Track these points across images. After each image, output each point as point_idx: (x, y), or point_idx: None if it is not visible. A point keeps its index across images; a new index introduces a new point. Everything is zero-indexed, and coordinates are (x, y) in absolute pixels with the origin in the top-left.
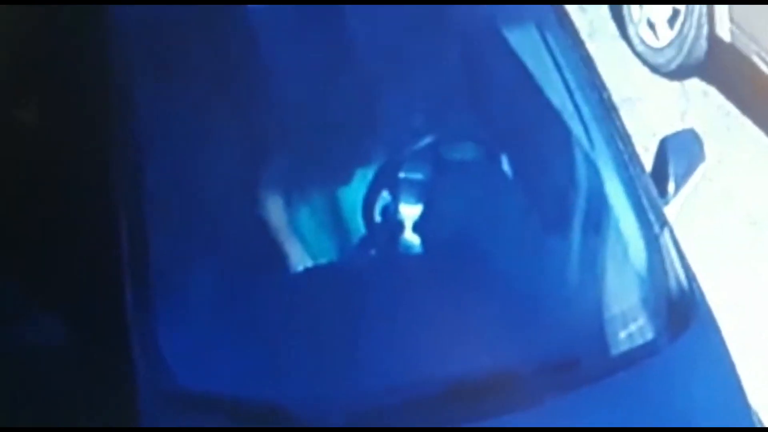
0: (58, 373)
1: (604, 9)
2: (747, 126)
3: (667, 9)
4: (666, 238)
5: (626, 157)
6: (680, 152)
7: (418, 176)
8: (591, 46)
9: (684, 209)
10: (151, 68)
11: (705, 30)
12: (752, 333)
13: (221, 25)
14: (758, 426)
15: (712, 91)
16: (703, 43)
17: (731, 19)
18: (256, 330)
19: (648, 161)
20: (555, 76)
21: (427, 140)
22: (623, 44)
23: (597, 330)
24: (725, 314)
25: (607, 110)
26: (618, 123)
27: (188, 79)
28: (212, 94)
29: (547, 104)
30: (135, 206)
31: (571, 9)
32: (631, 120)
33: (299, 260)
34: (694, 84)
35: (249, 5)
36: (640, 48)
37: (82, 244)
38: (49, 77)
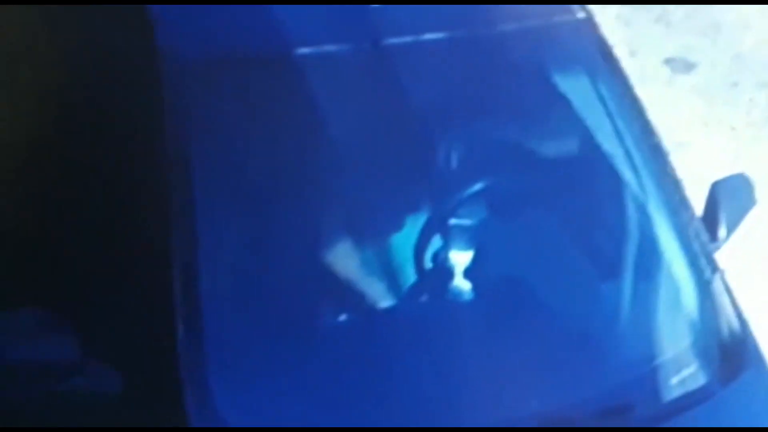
0: (112, 423)
1: (655, 54)
2: None
3: None
4: (717, 283)
5: (677, 202)
6: (731, 196)
7: (468, 222)
8: (641, 92)
9: (735, 253)
10: (204, 114)
11: None
12: None
13: (274, 67)
14: None
15: (764, 135)
16: None
17: None
18: (306, 375)
19: (698, 206)
20: (606, 121)
21: (478, 186)
22: (674, 90)
23: (649, 375)
24: None
25: (657, 155)
26: (669, 168)
27: (240, 125)
28: (260, 142)
29: (598, 149)
30: (188, 249)
31: (622, 55)
32: (682, 165)
33: (351, 306)
34: (744, 129)
35: (301, 50)
36: None
37: (135, 291)
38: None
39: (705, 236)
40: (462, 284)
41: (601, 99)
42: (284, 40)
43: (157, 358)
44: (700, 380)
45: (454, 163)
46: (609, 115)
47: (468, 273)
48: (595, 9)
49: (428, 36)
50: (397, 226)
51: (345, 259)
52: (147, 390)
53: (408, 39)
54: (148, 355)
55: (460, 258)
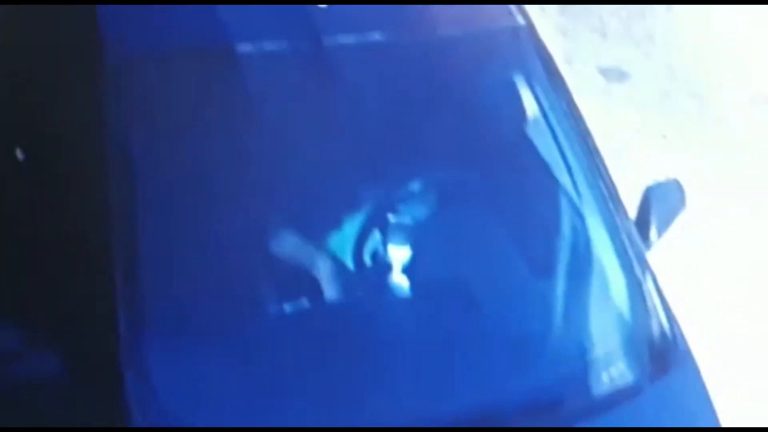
0: (53, 409)
1: (590, 63)
2: (730, 177)
3: None
4: (648, 283)
5: (611, 204)
6: (663, 200)
7: (407, 220)
8: (577, 100)
9: (666, 255)
10: (144, 110)
11: None
12: None
13: (215, 62)
14: None
15: (695, 143)
16: None
17: None
18: (247, 368)
19: (631, 210)
20: (543, 125)
21: (417, 185)
22: (609, 98)
23: (579, 372)
24: None
25: (593, 159)
26: (604, 171)
27: (177, 123)
28: (200, 138)
29: (535, 151)
30: (129, 245)
31: (559, 62)
32: (616, 171)
33: (290, 301)
34: (676, 137)
35: (239, 46)
36: None
37: (76, 279)
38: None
39: (637, 238)
40: (398, 281)
41: (540, 103)
42: (227, 36)
43: (97, 344)
44: (629, 377)
45: (392, 161)
46: (547, 118)
47: (405, 270)
48: (533, 18)
49: (370, 38)
50: (336, 222)
51: (285, 253)
52: (87, 376)
53: (349, 40)
54: (89, 342)
55: (398, 255)
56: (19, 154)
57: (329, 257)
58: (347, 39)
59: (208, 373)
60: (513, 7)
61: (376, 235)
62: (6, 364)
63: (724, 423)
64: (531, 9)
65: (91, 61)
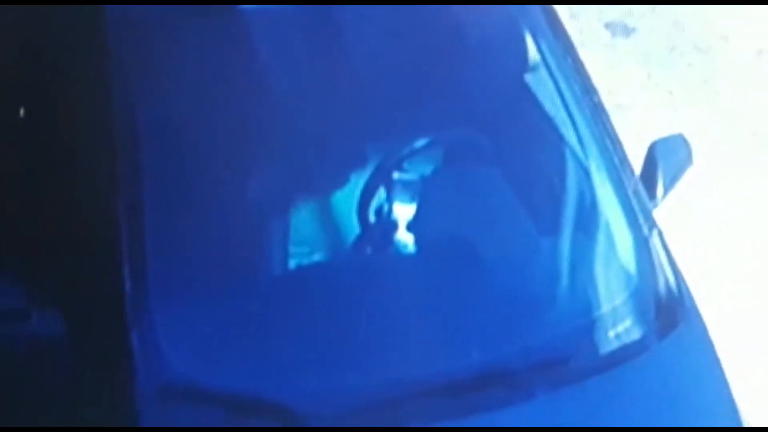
0: (56, 367)
1: (595, 17)
2: (737, 132)
3: None
4: (655, 240)
5: (616, 160)
6: (668, 156)
7: (411, 177)
8: (581, 55)
9: (672, 211)
10: (145, 69)
11: None
12: None
13: (215, 25)
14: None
15: (701, 98)
16: None
17: None
18: (253, 326)
19: (637, 166)
20: (547, 80)
21: (421, 142)
22: (613, 53)
23: (587, 328)
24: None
25: (598, 115)
26: (609, 127)
27: (182, 81)
28: (205, 97)
29: (539, 107)
30: (134, 202)
31: (563, 17)
32: (621, 126)
33: (295, 258)
34: (682, 92)
35: (243, 6)
36: None
37: (81, 239)
38: (44, 75)
39: (643, 194)
40: (405, 237)
41: (544, 58)
42: None
43: (102, 302)
44: (637, 334)
45: (397, 119)
46: (550, 72)
47: (410, 226)
48: None
49: None
50: (341, 180)
51: (289, 211)
52: (93, 335)
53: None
54: (94, 300)
55: (403, 212)
56: (21, 112)
57: (334, 215)
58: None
59: (214, 331)
60: None
61: (381, 193)
62: (11, 322)
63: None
64: None
65: (93, 18)
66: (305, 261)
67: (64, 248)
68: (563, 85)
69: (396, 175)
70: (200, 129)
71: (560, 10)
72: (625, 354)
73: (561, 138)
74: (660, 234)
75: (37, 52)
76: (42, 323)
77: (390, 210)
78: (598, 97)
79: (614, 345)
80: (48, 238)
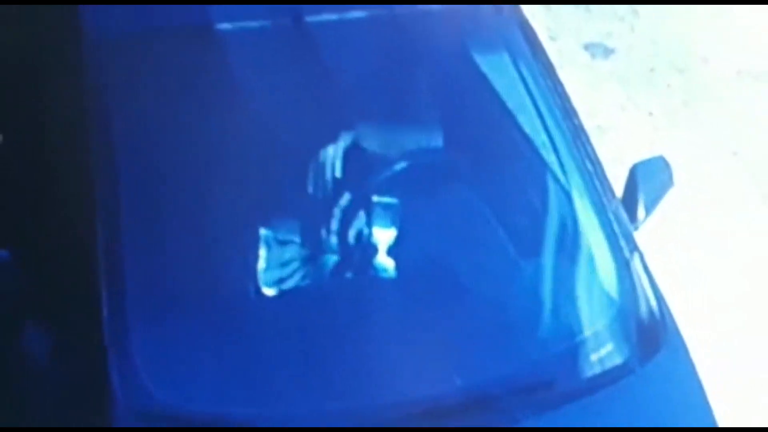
0: (40, 385)
1: (574, 38)
2: (715, 153)
3: None
4: (636, 263)
5: (597, 183)
6: (650, 178)
7: (391, 201)
8: (561, 75)
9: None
10: (124, 87)
11: None
12: None
13: (195, 44)
14: None
15: (681, 119)
16: None
17: None
18: (233, 350)
19: (618, 188)
20: (528, 102)
21: (401, 165)
22: (593, 74)
23: (570, 352)
24: None
25: (578, 137)
26: (589, 149)
27: (158, 101)
28: (182, 117)
29: (520, 130)
30: (112, 227)
31: (543, 38)
32: (601, 148)
33: (276, 283)
34: (662, 114)
35: (220, 24)
36: None
37: (59, 262)
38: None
39: (624, 217)
40: (385, 261)
41: (524, 80)
42: (205, 14)
43: (82, 326)
44: (619, 358)
45: (376, 141)
46: (530, 94)
47: (391, 250)
48: None
49: (349, 14)
50: (320, 203)
51: (269, 236)
52: (72, 359)
53: (330, 15)
54: (75, 324)
55: (383, 236)
56: None
57: (312, 239)
58: (328, 14)
59: (192, 356)
60: None
61: (360, 216)
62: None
63: (715, 407)
64: None
65: (71, 43)
66: (284, 286)
67: (43, 272)
68: (543, 107)
69: (375, 198)
70: (177, 152)
71: (540, 31)
72: (608, 378)
73: (541, 160)
74: (641, 257)
75: (13, 70)
76: (33, 338)
77: (370, 234)
78: (578, 119)
79: (597, 369)
80: (26, 262)
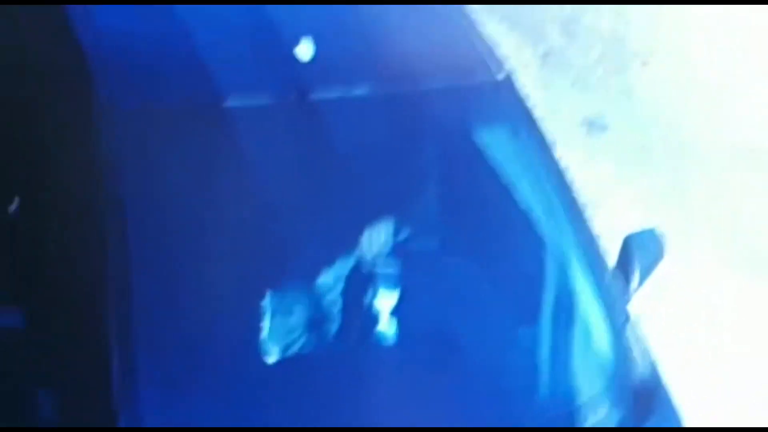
0: None
1: (570, 116)
2: (710, 229)
3: None
4: (630, 331)
5: (592, 253)
6: (643, 249)
7: (393, 270)
8: (558, 151)
9: (647, 303)
10: (135, 159)
11: None
12: None
13: (203, 119)
14: None
15: (673, 195)
16: None
17: None
18: (234, 417)
19: (610, 259)
20: (526, 175)
21: (405, 233)
22: (588, 150)
23: (565, 417)
24: None
25: (574, 210)
26: (585, 222)
27: (171, 171)
28: (192, 188)
29: (518, 202)
30: (123, 293)
31: (540, 114)
32: (595, 220)
33: (277, 351)
34: (653, 189)
35: (229, 100)
36: None
37: (70, 326)
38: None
39: (619, 286)
40: (386, 329)
41: (522, 156)
42: (214, 91)
43: (93, 398)
44: (613, 422)
45: (379, 214)
46: (529, 167)
47: (392, 320)
48: (516, 66)
49: (354, 92)
50: (323, 273)
51: (271, 304)
52: (82, 422)
53: (333, 94)
54: (85, 396)
55: (385, 305)
56: (14, 205)
57: (319, 309)
58: (331, 93)
59: (198, 419)
60: (495, 60)
61: (364, 287)
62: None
63: None
64: (512, 61)
65: (84, 115)
66: (286, 354)
67: (54, 337)
68: (540, 181)
69: (378, 269)
70: (187, 223)
71: (537, 108)
72: None
73: (539, 231)
74: (635, 325)
75: (26, 142)
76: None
77: (372, 304)
78: (575, 193)
79: None
80: (39, 325)
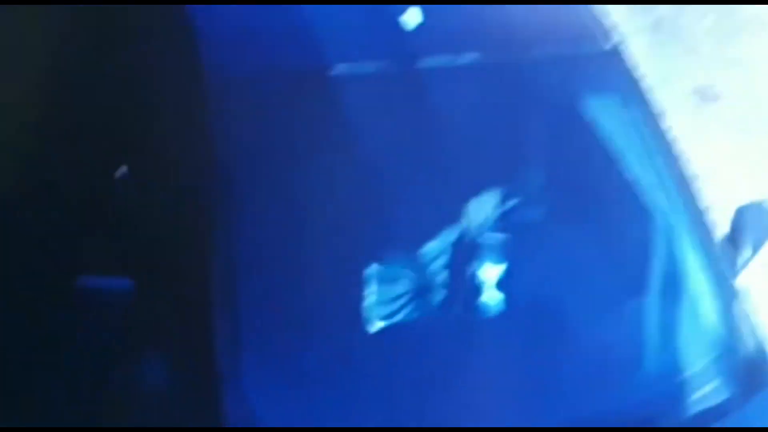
0: (155, 412)
1: (683, 85)
2: None
3: None
4: (739, 303)
5: (702, 225)
6: (754, 221)
7: (499, 239)
8: (668, 120)
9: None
10: (244, 126)
11: None
12: None
13: (310, 87)
14: None
15: None
16: None
17: None
18: (340, 386)
19: (722, 231)
20: (636, 144)
21: (511, 203)
22: (700, 119)
23: (672, 391)
24: None
25: (685, 180)
26: (695, 193)
27: (276, 142)
28: (298, 157)
29: (628, 172)
30: (229, 259)
31: (650, 83)
32: (706, 192)
33: (379, 319)
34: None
35: (337, 71)
36: None
37: (174, 293)
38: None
39: (729, 258)
40: (492, 299)
41: (631, 126)
42: (322, 57)
43: (197, 362)
44: (722, 395)
45: (485, 183)
46: (640, 137)
47: (496, 288)
48: (626, 35)
49: (461, 60)
50: (430, 241)
51: (378, 271)
52: (187, 386)
53: (440, 61)
54: (189, 354)
55: (490, 274)
56: (122, 170)
57: (422, 278)
58: (437, 61)
59: (303, 388)
60: (603, 30)
61: (469, 258)
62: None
63: None
64: (621, 30)
65: (193, 84)
66: (392, 322)
67: (161, 301)
68: (651, 150)
69: (483, 238)
70: (293, 188)
71: (648, 76)
72: (712, 415)
73: (649, 202)
74: (745, 297)
75: (136, 112)
76: (148, 369)
77: (477, 272)
78: (685, 163)
79: (700, 407)
80: (146, 290)
